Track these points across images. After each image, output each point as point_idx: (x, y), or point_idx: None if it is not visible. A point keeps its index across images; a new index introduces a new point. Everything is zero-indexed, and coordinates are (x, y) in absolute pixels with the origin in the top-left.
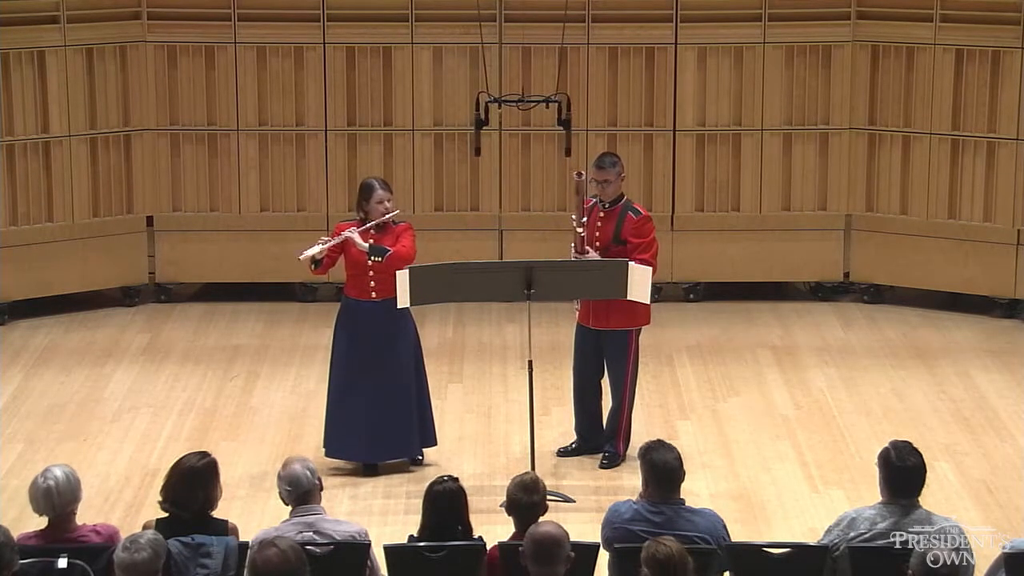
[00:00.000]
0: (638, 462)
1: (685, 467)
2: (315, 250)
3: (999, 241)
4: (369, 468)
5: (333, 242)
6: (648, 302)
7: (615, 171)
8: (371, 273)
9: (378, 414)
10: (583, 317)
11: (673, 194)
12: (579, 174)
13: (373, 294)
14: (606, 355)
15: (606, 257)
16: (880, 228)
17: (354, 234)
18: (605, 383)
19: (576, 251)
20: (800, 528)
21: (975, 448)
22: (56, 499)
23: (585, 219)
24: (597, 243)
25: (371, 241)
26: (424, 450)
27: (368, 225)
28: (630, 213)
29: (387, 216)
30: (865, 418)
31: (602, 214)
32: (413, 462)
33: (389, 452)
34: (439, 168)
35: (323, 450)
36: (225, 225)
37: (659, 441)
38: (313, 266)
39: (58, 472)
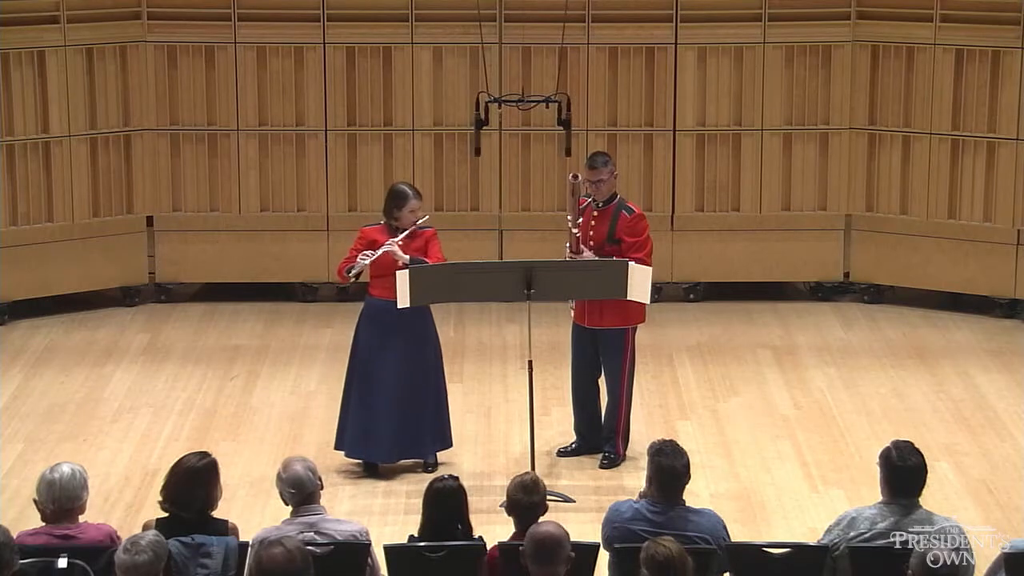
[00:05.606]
0: (638, 462)
1: None
2: (362, 265)
3: (999, 241)
4: (369, 467)
5: (375, 256)
6: (648, 302)
7: (608, 169)
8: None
9: (401, 414)
10: (578, 316)
11: (673, 194)
12: (575, 176)
13: None
14: (602, 354)
15: (600, 256)
16: (880, 228)
17: (394, 247)
18: (603, 382)
19: (571, 251)
20: (800, 528)
21: (975, 448)
22: (57, 492)
23: (580, 219)
24: (591, 242)
25: (410, 255)
26: (437, 454)
27: (404, 235)
28: (623, 212)
29: (418, 223)
30: (865, 418)
31: (596, 213)
32: (427, 466)
33: (406, 452)
34: (439, 168)
35: (340, 451)
36: (225, 225)
37: (672, 443)
38: (353, 279)
39: (66, 468)
